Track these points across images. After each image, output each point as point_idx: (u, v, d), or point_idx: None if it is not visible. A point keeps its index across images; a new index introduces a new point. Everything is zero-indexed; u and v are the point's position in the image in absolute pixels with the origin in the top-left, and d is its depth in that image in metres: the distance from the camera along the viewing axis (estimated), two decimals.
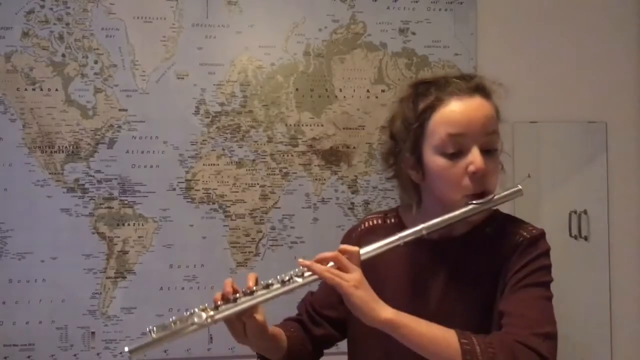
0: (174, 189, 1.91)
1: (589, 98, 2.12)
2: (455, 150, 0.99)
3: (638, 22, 2.17)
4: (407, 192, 1.10)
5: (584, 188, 2.12)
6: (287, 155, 1.97)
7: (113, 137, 1.89)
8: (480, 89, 1.03)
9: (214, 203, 1.93)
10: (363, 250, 0.99)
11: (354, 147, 2.00)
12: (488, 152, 1.00)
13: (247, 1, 1.96)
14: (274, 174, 1.96)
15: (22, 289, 1.84)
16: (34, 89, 1.86)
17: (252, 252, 1.94)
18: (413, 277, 1.03)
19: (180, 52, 1.92)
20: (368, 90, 2.01)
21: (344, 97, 2.00)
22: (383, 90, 2.02)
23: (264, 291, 0.99)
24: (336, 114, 1.99)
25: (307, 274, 0.98)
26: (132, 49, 1.91)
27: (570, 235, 2.07)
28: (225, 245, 1.93)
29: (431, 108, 1.01)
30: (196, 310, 1.00)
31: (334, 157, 1.99)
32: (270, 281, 0.99)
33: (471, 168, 0.98)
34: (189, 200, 1.92)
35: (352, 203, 1.99)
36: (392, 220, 1.16)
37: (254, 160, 1.95)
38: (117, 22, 1.90)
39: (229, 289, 1.00)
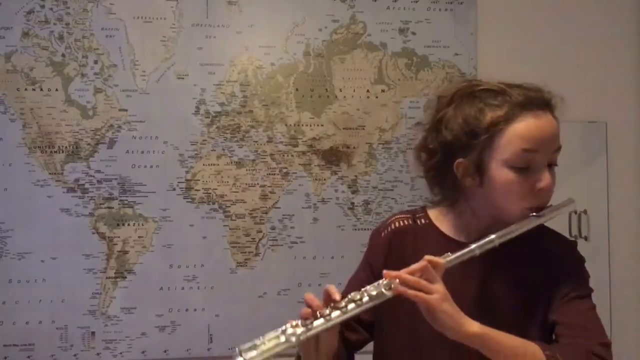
0: (174, 189, 1.91)
1: (589, 98, 2.12)
2: (525, 165, 1.00)
3: (638, 22, 2.17)
4: (447, 192, 1.10)
5: (584, 188, 2.12)
6: (287, 155, 1.97)
7: (113, 137, 1.89)
8: (549, 105, 1.05)
9: (214, 203, 1.93)
10: (446, 260, 0.99)
11: (354, 147, 2.00)
12: (550, 166, 1.03)
13: (247, 1, 1.96)
14: (274, 174, 1.96)
15: (22, 289, 1.84)
16: (34, 89, 1.86)
17: (252, 252, 1.94)
18: (450, 281, 1.00)
19: (180, 52, 1.92)
20: (368, 90, 2.01)
21: (344, 97, 2.00)
22: (383, 90, 2.02)
23: (353, 305, 0.97)
24: (336, 114, 1.99)
25: (394, 284, 0.96)
26: (132, 49, 1.91)
27: (570, 235, 2.07)
28: (225, 245, 1.93)
29: (504, 121, 1.00)
30: (287, 326, 0.96)
31: (334, 157, 1.99)
32: (357, 296, 0.97)
33: (540, 185, 1.00)
34: (189, 200, 1.92)
35: (352, 203, 1.99)
36: (423, 221, 1.14)
37: (254, 160, 1.95)
38: (117, 22, 1.90)
39: (317, 303, 0.98)
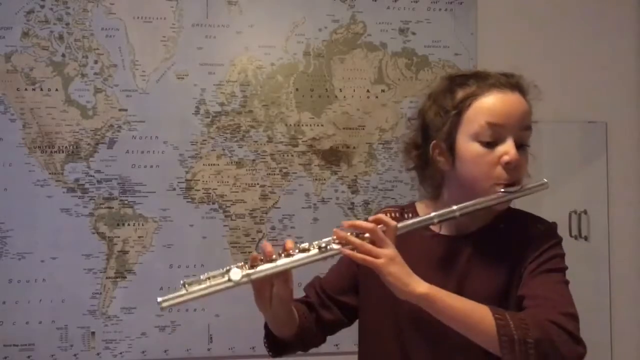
0: (174, 189, 1.91)
1: (589, 98, 2.13)
2: (492, 139, 1.02)
3: (638, 22, 2.17)
4: (430, 182, 1.13)
5: (584, 188, 2.12)
6: (287, 155, 1.97)
7: (113, 137, 1.89)
8: (519, 87, 1.07)
9: (214, 203, 1.93)
10: (400, 224, 1.01)
11: (354, 147, 2.00)
12: (521, 146, 1.03)
13: (247, 1, 1.96)
14: (274, 174, 1.96)
15: (22, 289, 1.84)
16: (34, 89, 1.86)
17: (252, 252, 1.94)
18: (428, 272, 1.03)
19: (180, 52, 1.92)
20: (368, 90, 2.01)
21: (344, 97, 2.00)
22: (383, 90, 2.02)
23: (302, 255, 0.99)
24: (336, 114, 1.99)
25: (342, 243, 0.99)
26: (132, 49, 1.91)
27: (570, 235, 2.07)
28: (225, 245, 1.93)
29: (472, 97, 1.04)
30: (232, 267, 0.98)
31: (334, 157, 1.99)
32: (307, 246, 1.00)
33: (505, 158, 1.01)
34: (189, 200, 1.92)
35: (352, 203, 1.99)
36: (410, 215, 1.15)
37: (254, 160, 1.95)
38: (117, 22, 1.90)
39: (270, 249, 1.01)
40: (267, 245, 1.02)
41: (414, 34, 2.04)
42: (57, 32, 1.88)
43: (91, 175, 1.88)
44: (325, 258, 1.00)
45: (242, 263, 0.99)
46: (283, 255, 1.00)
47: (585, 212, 2.10)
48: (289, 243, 1.02)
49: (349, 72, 2.00)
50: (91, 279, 1.87)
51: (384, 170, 2.01)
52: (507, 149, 1.01)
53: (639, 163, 2.16)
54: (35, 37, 1.87)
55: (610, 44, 2.15)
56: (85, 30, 1.89)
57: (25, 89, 1.86)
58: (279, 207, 1.96)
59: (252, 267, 0.99)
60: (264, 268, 0.99)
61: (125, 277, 1.88)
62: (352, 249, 0.98)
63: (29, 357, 1.84)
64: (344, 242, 0.99)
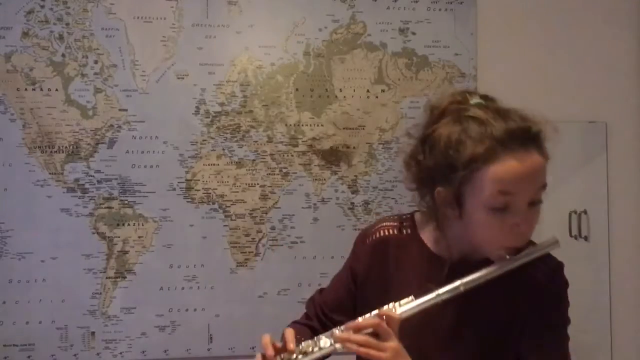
0: (174, 189, 1.91)
1: (589, 98, 2.12)
2: (503, 206, 0.95)
3: (638, 22, 2.17)
4: (430, 212, 1.06)
5: (584, 188, 2.12)
6: (287, 155, 1.97)
7: (113, 137, 1.89)
8: (536, 140, 0.97)
9: (214, 203, 1.93)
10: (400, 310, 0.98)
11: (354, 147, 2.00)
12: (533, 204, 0.97)
13: (247, 1, 1.96)
14: (274, 174, 1.96)
15: (22, 289, 1.84)
16: (34, 89, 1.86)
17: (252, 252, 1.94)
18: (420, 316, 1.01)
19: (180, 52, 1.92)
20: (368, 90, 2.01)
21: (344, 97, 2.00)
22: (383, 90, 2.02)
23: (301, 356, 0.99)
24: (336, 114, 1.99)
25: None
26: (132, 49, 1.91)
27: (570, 235, 2.07)
28: (225, 245, 1.93)
29: (482, 160, 0.94)
30: None
31: (334, 157, 1.99)
32: (309, 347, 0.99)
33: (517, 229, 0.95)
34: (189, 200, 1.92)
35: (352, 203, 1.99)
36: (408, 232, 1.13)
37: (254, 160, 1.95)
38: (117, 22, 1.90)
39: (271, 353, 0.99)
40: (268, 348, 1.00)
41: (414, 34, 2.04)
42: (57, 32, 1.88)
43: (91, 175, 1.88)
44: (329, 355, 0.99)
45: None
46: (284, 358, 0.99)
47: (585, 212, 2.10)
48: (291, 342, 0.99)
49: (349, 72, 2.00)
50: (91, 279, 1.87)
51: (384, 170, 2.01)
52: (520, 219, 0.95)
53: (639, 163, 2.16)
54: (35, 37, 1.87)
55: (610, 44, 2.15)
56: (85, 30, 1.89)
57: (25, 89, 1.86)
58: (279, 207, 1.96)
59: None
60: None
61: (125, 277, 1.88)
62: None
63: (29, 357, 1.84)
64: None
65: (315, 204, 1.98)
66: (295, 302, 1.93)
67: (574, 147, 2.11)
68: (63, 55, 1.88)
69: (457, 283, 0.97)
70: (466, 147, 0.95)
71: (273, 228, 1.96)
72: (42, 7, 1.87)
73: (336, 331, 0.99)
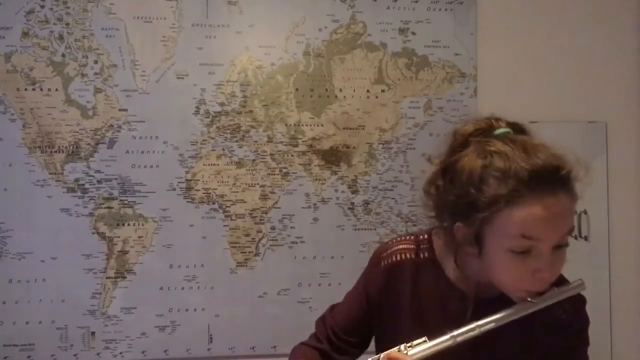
0: (174, 189, 1.91)
1: (589, 98, 2.12)
2: (525, 250, 0.89)
3: (638, 22, 2.17)
4: (449, 244, 1.00)
5: (584, 188, 2.12)
6: (287, 155, 1.97)
7: (113, 137, 1.89)
8: (565, 182, 0.90)
9: (214, 203, 1.93)
10: (412, 352, 0.93)
11: (354, 147, 2.00)
12: (559, 247, 0.91)
13: (247, 1, 1.96)
14: (274, 174, 1.96)
15: (22, 289, 1.84)
16: (34, 89, 1.86)
17: (252, 252, 1.94)
18: (443, 327, 0.98)
19: (180, 52, 1.92)
20: (368, 90, 2.01)
21: (344, 97, 2.00)
22: (383, 90, 2.02)
23: None
24: (336, 114, 1.99)
25: None
26: (132, 49, 1.91)
27: (570, 235, 2.07)
28: (225, 245, 1.93)
29: (506, 202, 0.88)
30: None
31: (334, 157, 1.99)
32: None
33: (539, 274, 0.90)
34: (189, 200, 1.92)
35: (352, 203, 1.99)
36: (426, 255, 1.07)
37: (254, 160, 1.95)
38: (117, 22, 1.90)
39: None
40: None
41: (414, 34, 2.04)
42: (57, 32, 1.88)
43: (91, 175, 1.88)
44: None
45: None
46: None
47: (585, 212, 2.10)
48: None
49: (349, 72, 2.00)
50: (91, 279, 1.87)
51: (384, 170, 2.01)
52: (543, 263, 0.89)
53: (639, 163, 2.16)
54: (35, 37, 1.87)
55: (610, 44, 2.15)
56: (85, 30, 1.89)
57: (25, 89, 1.86)
58: (279, 207, 1.96)
59: None
60: None
61: (125, 277, 1.88)
62: None
63: (29, 357, 1.84)
64: None
65: (315, 204, 1.98)
66: (295, 302, 1.93)
67: (574, 147, 2.11)
68: (63, 55, 1.88)
69: (473, 325, 0.92)
70: (489, 186, 0.89)
71: (273, 228, 1.96)
72: (42, 7, 1.87)
73: None
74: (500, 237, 0.90)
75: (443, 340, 0.92)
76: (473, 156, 0.93)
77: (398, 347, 0.95)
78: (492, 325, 0.92)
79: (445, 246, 1.04)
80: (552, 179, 0.88)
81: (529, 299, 0.91)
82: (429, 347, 0.93)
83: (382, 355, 0.94)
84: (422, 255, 1.07)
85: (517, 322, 0.94)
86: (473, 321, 0.94)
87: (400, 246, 1.10)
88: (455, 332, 0.92)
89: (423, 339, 0.94)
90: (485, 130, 0.96)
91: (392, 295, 1.06)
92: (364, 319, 1.13)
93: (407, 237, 1.12)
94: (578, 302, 1.01)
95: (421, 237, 1.10)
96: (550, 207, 0.87)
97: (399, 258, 1.09)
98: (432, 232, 1.09)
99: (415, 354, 0.92)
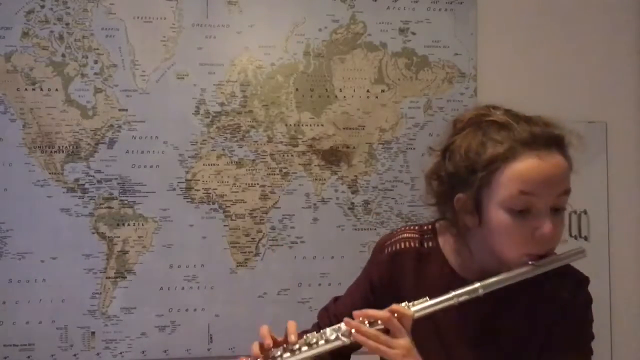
0: (174, 189, 1.91)
1: (589, 98, 2.12)
2: (524, 208, 0.91)
3: (638, 22, 2.17)
4: (453, 227, 1.03)
5: (584, 188, 2.12)
6: (287, 155, 1.97)
7: (113, 137, 1.89)
8: (558, 142, 0.94)
9: (214, 203, 1.93)
10: (415, 308, 0.94)
11: (354, 147, 2.00)
12: (557, 210, 0.93)
13: (247, 1, 1.96)
14: (274, 174, 1.96)
15: (22, 289, 1.84)
16: (34, 89, 1.86)
17: (252, 252, 1.94)
18: (444, 320, 1.00)
19: (180, 52, 1.92)
20: (368, 90, 2.01)
21: (344, 97, 2.00)
22: (383, 90, 2.02)
23: (305, 348, 0.95)
24: (336, 114, 1.99)
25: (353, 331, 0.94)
26: (132, 49, 1.90)
27: (570, 235, 2.07)
28: (225, 245, 1.93)
29: (503, 159, 0.92)
30: None
31: (334, 157, 1.99)
32: (313, 339, 0.95)
33: (539, 232, 0.91)
34: (189, 200, 1.92)
35: (352, 203, 1.99)
36: (430, 244, 1.08)
37: (254, 160, 1.95)
38: (117, 22, 1.90)
39: (269, 342, 0.95)
40: (266, 337, 0.96)
41: (414, 34, 2.04)
42: (57, 32, 1.88)
43: (91, 175, 1.88)
44: (333, 348, 0.95)
45: None
46: (288, 352, 0.95)
47: (585, 212, 2.10)
48: (293, 334, 0.96)
49: (349, 72, 2.00)
50: (91, 279, 1.87)
51: (384, 170, 2.01)
52: (541, 222, 0.91)
53: (639, 163, 2.16)
54: (35, 37, 1.87)
55: (610, 44, 2.15)
56: (86, 30, 1.89)
57: (25, 89, 1.86)
58: (279, 207, 1.96)
59: None
60: None
61: (125, 277, 1.88)
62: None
63: (29, 357, 1.84)
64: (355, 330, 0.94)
65: (315, 204, 1.98)
66: (295, 302, 1.93)
67: (574, 147, 2.11)
68: (63, 55, 1.88)
69: (477, 285, 0.94)
70: (486, 149, 0.93)
71: (273, 228, 1.96)
72: (42, 7, 1.87)
73: (343, 325, 0.96)
74: (498, 196, 0.92)
75: (445, 299, 0.94)
76: (471, 131, 0.97)
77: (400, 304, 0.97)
78: (495, 286, 0.94)
79: (447, 229, 1.06)
80: (547, 139, 0.93)
81: (531, 262, 0.93)
82: (432, 305, 0.95)
83: (386, 308, 0.95)
84: (425, 245, 1.08)
85: (520, 300, 0.97)
86: (472, 306, 0.96)
87: (405, 235, 1.11)
88: (458, 292, 0.94)
89: (425, 298, 0.95)
90: (484, 116, 0.99)
91: (396, 283, 1.06)
92: (367, 307, 1.13)
93: (411, 227, 1.13)
94: (581, 282, 1.03)
95: (425, 227, 1.11)
96: (545, 160, 0.91)
97: (402, 246, 1.10)
98: (435, 223, 1.10)
99: (418, 310, 0.94)
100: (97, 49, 1.89)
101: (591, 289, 1.07)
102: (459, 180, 0.97)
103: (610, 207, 2.13)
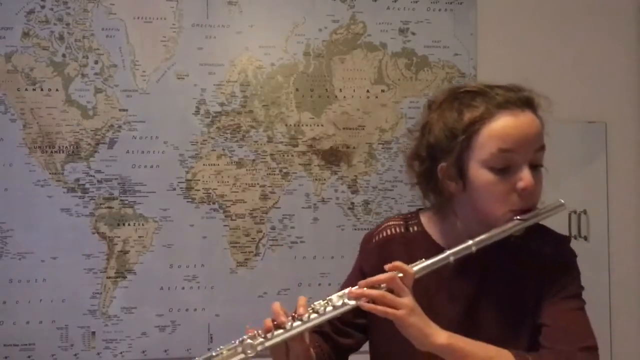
0: (174, 189, 1.92)
1: (589, 98, 2.13)
2: (504, 165, 0.97)
3: (638, 22, 2.18)
4: (437, 198, 1.07)
5: (583, 188, 2.12)
6: (287, 155, 1.97)
7: (113, 137, 1.89)
8: (529, 103, 1.02)
9: (214, 203, 1.93)
10: (415, 268, 0.97)
11: (354, 147, 2.00)
12: (535, 167, 0.99)
13: (247, 1, 1.96)
14: (274, 174, 1.96)
15: (22, 289, 1.84)
16: (34, 89, 1.86)
17: (252, 252, 1.94)
18: (439, 285, 1.03)
19: (180, 52, 1.92)
20: (368, 90, 2.01)
21: (344, 97, 2.00)
22: (383, 90, 2.02)
23: (315, 315, 0.97)
24: (336, 114, 1.99)
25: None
26: (132, 49, 1.91)
27: (570, 235, 2.07)
28: (225, 245, 1.93)
29: (480, 120, 0.98)
30: (246, 338, 0.98)
31: (334, 157, 1.99)
32: (320, 307, 0.98)
33: (520, 185, 0.97)
34: (189, 200, 1.92)
35: (352, 203, 2.00)
36: (415, 229, 1.12)
37: (254, 160, 1.96)
38: (117, 22, 1.90)
39: (282, 319, 0.99)
40: (279, 314, 1.00)
41: (414, 34, 2.04)
42: (58, 32, 1.88)
43: (91, 175, 1.88)
44: (341, 314, 0.98)
45: (255, 332, 0.99)
46: (296, 318, 0.98)
47: (585, 212, 2.10)
48: (302, 307, 0.99)
49: (349, 72, 2.00)
50: (91, 278, 1.87)
51: (384, 170, 2.01)
52: (521, 175, 0.97)
53: (639, 163, 2.16)
54: (36, 37, 1.87)
55: (610, 44, 2.15)
56: (86, 31, 1.89)
57: (26, 89, 1.86)
58: (279, 207, 1.96)
59: (265, 335, 0.98)
60: (277, 335, 0.98)
61: (126, 277, 1.88)
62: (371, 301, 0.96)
63: (29, 357, 1.84)
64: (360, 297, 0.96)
65: (315, 204, 1.98)
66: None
67: (574, 147, 2.11)
68: (63, 55, 1.88)
69: (469, 242, 0.98)
70: (464, 115, 0.99)
71: (273, 228, 1.96)
72: (43, 7, 1.87)
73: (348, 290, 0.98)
74: (479, 156, 0.98)
75: (441, 259, 0.98)
76: (447, 105, 1.03)
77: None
78: (486, 241, 0.98)
79: (431, 212, 1.11)
80: (520, 100, 1.00)
81: (516, 217, 0.98)
82: (428, 265, 0.98)
83: (389, 264, 0.98)
84: (411, 230, 1.13)
85: (510, 263, 1.03)
86: (465, 270, 1.01)
87: (389, 223, 1.16)
88: (453, 250, 0.98)
89: (422, 259, 0.99)
90: (457, 89, 1.05)
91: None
92: None
93: (395, 217, 1.18)
94: (562, 239, 1.08)
95: (409, 215, 1.17)
96: (520, 119, 0.98)
97: (389, 232, 1.14)
98: (418, 211, 1.16)
99: (418, 270, 0.97)
100: (98, 49, 1.89)
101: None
102: (440, 149, 1.02)
103: (610, 207, 2.13)
